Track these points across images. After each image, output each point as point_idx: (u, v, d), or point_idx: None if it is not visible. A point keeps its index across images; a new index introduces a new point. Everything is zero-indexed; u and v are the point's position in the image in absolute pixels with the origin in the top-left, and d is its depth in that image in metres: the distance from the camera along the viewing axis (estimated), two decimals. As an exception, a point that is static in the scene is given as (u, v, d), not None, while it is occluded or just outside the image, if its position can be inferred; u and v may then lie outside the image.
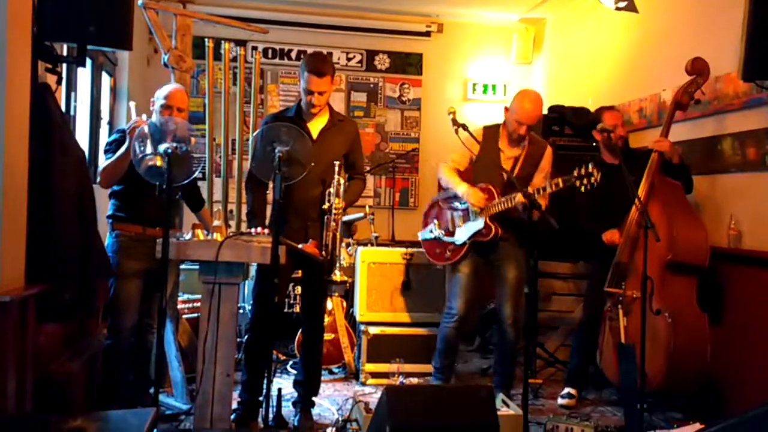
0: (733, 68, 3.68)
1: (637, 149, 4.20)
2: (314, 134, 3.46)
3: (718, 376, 3.74)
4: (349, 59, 6.50)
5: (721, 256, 3.77)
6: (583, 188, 3.39)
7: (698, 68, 3.78)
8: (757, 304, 3.57)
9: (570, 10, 6.05)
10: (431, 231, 4.09)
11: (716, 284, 3.84)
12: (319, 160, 3.32)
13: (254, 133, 3.69)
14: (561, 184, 3.50)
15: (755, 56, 3.25)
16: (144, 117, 3.28)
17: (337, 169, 3.41)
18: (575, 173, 3.42)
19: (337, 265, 3.27)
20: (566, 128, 5.06)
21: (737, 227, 3.71)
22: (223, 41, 4.78)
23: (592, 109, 5.09)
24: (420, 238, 4.19)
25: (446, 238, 4.00)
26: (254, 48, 5.94)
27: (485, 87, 6.67)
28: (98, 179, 3.38)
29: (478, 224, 3.84)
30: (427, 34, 6.60)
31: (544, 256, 4.77)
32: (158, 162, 2.96)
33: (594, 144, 4.71)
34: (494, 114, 6.61)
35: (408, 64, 6.60)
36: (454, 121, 3.71)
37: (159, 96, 3.44)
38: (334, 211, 3.41)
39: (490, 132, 3.98)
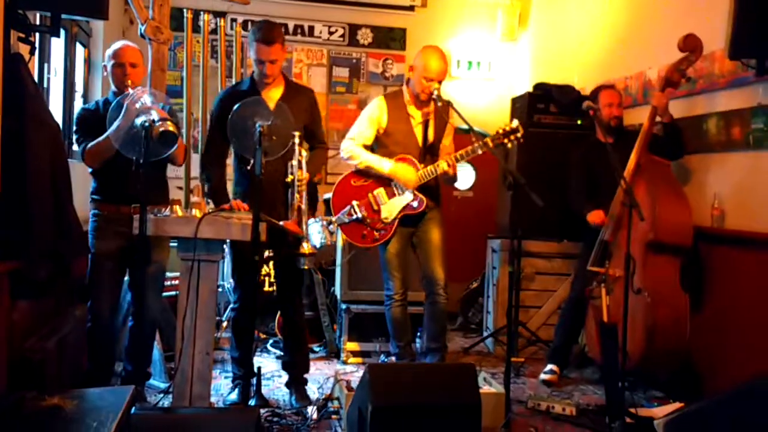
0: (719, 47, 3.66)
1: (628, 128, 4.18)
2: (271, 105, 3.30)
3: (698, 356, 3.76)
4: (331, 33, 6.39)
5: (704, 236, 3.78)
6: (510, 144, 3.61)
7: (691, 45, 3.70)
8: (738, 284, 3.58)
9: (556, -14, 6.00)
10: (351, 213, 3.81)
11: (698, 264, 3.85)
12: (278, 132, 3.23)
13: (213, 108, 3.57)
14: (491, 144, 3.57)
15: (742, 35, 3.23)
16: (140, 89, 3.13)
17: (297, 140, 3.28)
18: (500, 131, 3.60)
19: (305, 237, 3.19)
20: (551, 106, 5.01)
21: (721, 207, 3.71)
22: (202, 12, 4.67)
23: (578, 87, 5.08)
24: (337, 224, 3.85)
25: (370, 217, 3.79)
26: (234, 20, 5.82)
27: (470, 63, 6.60)
28: (84, 159, 3.28)
29: (405, 198, 3.75)
30: (411, 8, 6.49)
31: (528, 235, 4.75)
32: (170, 126, 2.82)
33: (579, 122, 4.70)
34: (479, 91, 6.57)
35: (391, 39, 6.50)
36: (439, 98, 3.65)
37: (108, 56, 3.30)
38: (297, 184, 3.31)
39: (395, 100, 3.84)
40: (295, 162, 3.30)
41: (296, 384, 3.67)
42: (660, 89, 3.85)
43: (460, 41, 6.59)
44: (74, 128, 3.31)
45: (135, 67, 3.28)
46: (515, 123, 3.63)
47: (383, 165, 3.73)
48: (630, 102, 4.61)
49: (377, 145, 3.88)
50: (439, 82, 3.66)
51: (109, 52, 3.32)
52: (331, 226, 4.66)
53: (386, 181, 3.77)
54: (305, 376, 3.73)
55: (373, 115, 3.82)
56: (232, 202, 3.32)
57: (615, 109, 4.06)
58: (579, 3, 5.57)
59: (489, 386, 3.55)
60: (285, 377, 3.76)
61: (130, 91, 3.12)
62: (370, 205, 3.80)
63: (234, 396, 3.55)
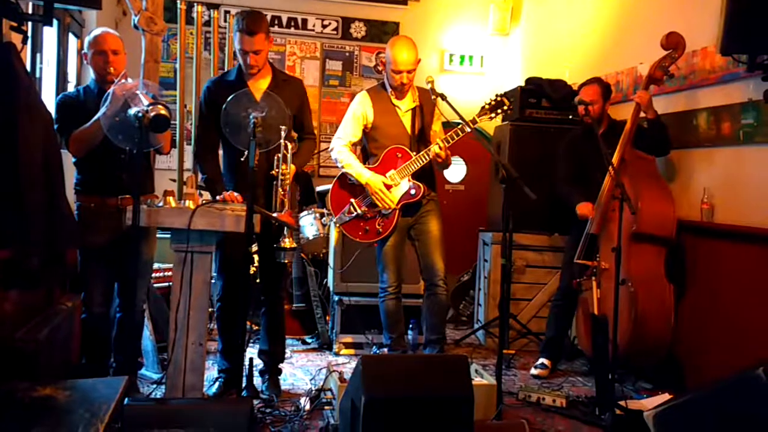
0: (709, 42, 3.69)
1: (620, 122, 4.21)
2: (257, 96, 3.30)
3: (682, 348, 3.81)
4: (324, 26, 6.38)
5: (693, 230, 3.82)
6: (500, 118, 3.68)
7: (673, 42, 3.78)
8: (726, 277, 3.62)
9: (548, -19, 6.01)
10: (350, 211, 3.84)
11: (686, 257, 3.89)
12: (271, 122, 3.19)
13: (201, 98, 3.56)
14: (477, 120, 3.63)
15: (734, 30, 3.25)
16: (130, 80, 3.09)
17: (283, 133, 3.26)
18: (486, 105, 3.68)
19: (286, 231, 3.19)
20: (543, 101, 5.03)
21: (710, 201, 3.75)
22: (195, 4, 4.65)
23: (569, 82, 5.10)
24: (338, 224, 3.93)
25: (370, 213, 3.82)
26: (227, 12, 5.80)
27: (462, 58, 6.61)
28: (68, 147, 3.23)
29: (402, 187, 3.78)
30: (404, 2, 6.50)
31: (519, 228, 4.78)
32: (162, 110, 2.77)
33: (571, 117, 4.73)
34: (471, 85, 6.59)
35: (384, 33, 6.49)
36: (433, 91, 3.67)
37: (88, 43, 3.24)
38: (281, 178, 3.31)
39: (378, 93, 3.88)
40: (280, 155, 3.30)
41: (270, 373, 3.67)
42: (644, 87, 3.89)
43: (452, 35, 6.60)
44: (55, 116, 3.22)
45: (117, 54, 3.23)
46: (498, 95, 3.71)
47: (363, 174, 3.77)
48: (621, 97, 4.64)
49: (368, 140, 3.90)
50: (408, 72, 3.69)
51: (89, 39, 3.26)
52: (324, 219, 4.68)
53: (382, 174, 3.79)
54: (279, 366, 3.74)
55: (357, 112, 3.84)
56: (225, 194, 3.30)
57: (596, 105, 4.05)
58: (571, -2, 5.59)
59: (481, 378, 3.57)
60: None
61: (116, 80, 3.08)
62: (369, 202, 3.82)
63: (214, 389, 3.54)
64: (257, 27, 3.28)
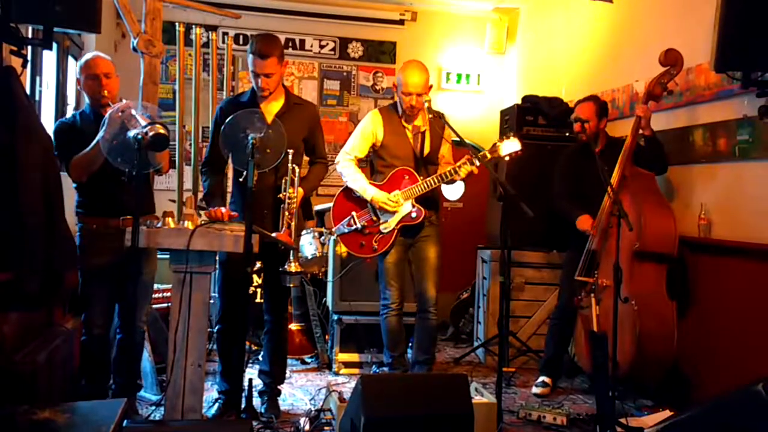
0: (705, 59, 3.72)
1: (617, 139, 4.23)
2: (269, 119, 3.31)
3: (686, 364, 3.79)
4: (322, 47, 6.43)
5: (691, 246, 3.83)
6: (508, 158, 3.65)
7: (671, 59, 3.81)
8: (725, 293, 3.62)
9: (544, 0, 6.06)
10: (350, 223, 3.88)
11: (685, 273, 3.89)
12: (270, 144, 3.20)
13: (214, 117, 3.60)
14: (488, 156, 3.63)
15: (727, 47, 3.27)
16: (124, 102, 3.09)
17: (291, 157, 3.31)
18: (498, 143, 3.65)
19: (292, 255, 3.20)
20: (540, 118, 5.07)
21: (707, 217, 3.76)
22: (194, 26, 4.68)
23: (566, 99, 5.13)
24: (336, 234, 3.98)
25: (369, 229, 3.85)
26: (225, 34, 5.85)
27: (459, 76, 6.65)
28: (69, 172, 3.24)
29: (404, 209, 3.80)
30: (401, 22, 6.55)
31: (517, 246, 4.79)
32: (160, 129, 2.80)
33: (568, 134, 4.75)
34: (468, 103, 6.63)
35: (381, 53, 6.55)
36: (430, 110, 3.70)
37: (80, 68, 3.26)
38: (288, 201, 3.34)
39: (389, 113, 3.91)
40: (288, 179, 3.33)
41: (269, 394, 3.66)
42: (643, 102, 3.92)
43: (449, 54, 6.65)
44: (54, 143, 3.21)
45: (109, 77, 3.25)
46: (510, 134, 3.71)
47: (367, 190, 3.81)
48: (617, 114, 4.67)
49: (375, 158, 3.94)
50: (419, 95, 3.71)
51: (81, 64, 3.28)
52: (323, 238, 4.69)
53: (387, 193, 3.81)
54: (279, 387, 3.73)
55: (367, 130, 3.87)
56: (211, 210, 3.25)
57: (575, 124, 4.10)
58: (566, 16, 5.64)
59: (481, 396, 3.57)
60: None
61: (110, 103, 3.13)
62: (370, 216, 3.86)
63: (213, 410, 3.52)
64: (269, 50, 3.30)
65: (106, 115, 3.00)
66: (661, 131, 4.05)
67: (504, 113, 5.44)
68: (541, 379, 4.23)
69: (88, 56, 3.32)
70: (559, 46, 5.77)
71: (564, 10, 5.67)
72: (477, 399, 3.47)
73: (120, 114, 2.97)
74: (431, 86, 3.82)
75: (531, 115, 5.08)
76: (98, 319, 3.32)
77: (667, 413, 3.51)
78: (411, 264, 3.94)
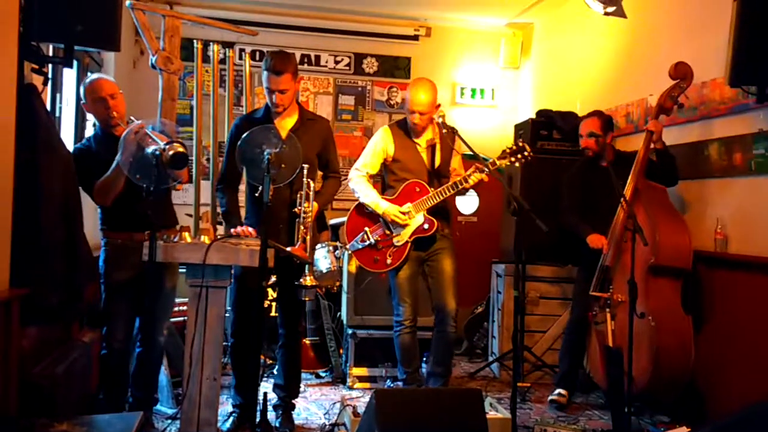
0: (719, 74, 3.71)
1: (626, 153, 4.23)
2: (283, 134, 3.33)
3: (701, 379, 3.76)
4: (337, 62, 6.49)
5: (707, 260, 3.80)
6: (518, 164, 3.70)
7: (681, 72, 3.81)
8: (741, 308, 3.59)
9: (558, 15, 6.08)
10: (364, 238, 3.90)
11: (701, 288, 3.87)
12: (286, 160, 3.24)
13: (229, 133, 3.64)
14: (497, 163, 3.66)
15: (742, 62, 3.28)
16: (139, 121, 3.15)
17: (306, 172, 3.34)
18: (507, 150, 3.69)
19: (307, 269, 3.23)
20: (554, 132, 5.08)
21: (723, 231, 3.74)
22: (211, 43, 4.76)
23: (580, 114, 5.13)
24: (350, 250, 4.00)
25: (383, 243, 3.86)
26: (242, 50, 5.92)
27: (473, 91, 6.67)
28: (93, 198, 3.28)
29: (416, 221, 3.81)
30: (416, 38, 6.59)
31: (532, 260, 4.79)
32: (179, 148, 2.88)
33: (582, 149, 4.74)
34: (483, 118, 6.64)
35: (396, 68, 6.59)
36: (444, 125, 3.72)
37: (86, 92, 3.28)
38: (303, 216, 3.37)
39: (399, 129, 3.94)
40: (303, 193, 3.36)
41: (284, 407, 3.67)
42: (654, 116, 3.91)
43: (463, 69, 6.68)
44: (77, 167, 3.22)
45: (114, 98, 3.27)
46: (520, 142, 3.73)
47: (379, 204, 3.83)
48: (632, 129, 4.67)
49: (387, 173, 3.97)
50: (422, 114, 3.74)
51: (85, 87, 3.30)
52: (338, 252, 4.71)
53: (399, 206, 3.83)
54: (293, 401, 3.74)
55: (378, 146, 3.91)
56: (239, 228, 3.34)
57: (589, 139, 4.11)
58: (580, 31, 5.66)
59: (495, 411, 3.56)
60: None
61: (119, 122, 3.19)
62: (383, 230, 3.87)
63: (228, 424, 3.54)
64: (284, 67, 3.34)
65: (121, 139, 3.04)
66: (675, 145, 4.04)
67: (518, 128, 5.46)
68: (557, 390, 4.21)
69: (91, 78, 3.34)
70: (573, 60, 5.78)
71: (578, 25, 5.68)
72: (491, 414, 3.46)
73: (134, 135, 3.02)
74: (439, 105, 3.84)
75: (545, 130, 5.08)
76: (119, 333, 3.35)
77: (683, 430, 3.47)
78: (427, 278, 3.95)
